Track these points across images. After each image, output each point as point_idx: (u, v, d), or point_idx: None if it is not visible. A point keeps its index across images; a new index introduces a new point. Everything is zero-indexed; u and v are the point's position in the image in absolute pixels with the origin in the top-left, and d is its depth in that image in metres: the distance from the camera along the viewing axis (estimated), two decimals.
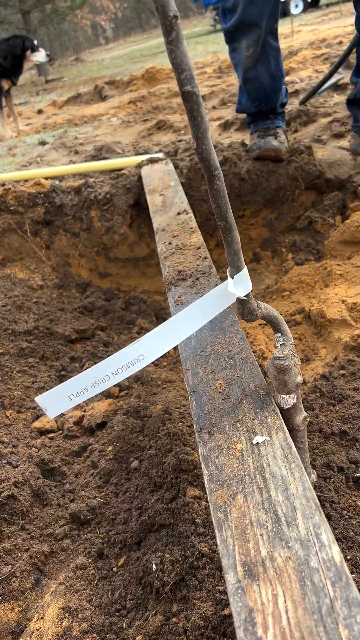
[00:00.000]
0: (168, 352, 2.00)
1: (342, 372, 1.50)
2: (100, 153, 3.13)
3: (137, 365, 0.75)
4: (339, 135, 2.61)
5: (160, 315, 2.27)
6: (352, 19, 7.18)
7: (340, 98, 3.28)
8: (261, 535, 0.64)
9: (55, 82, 11.37)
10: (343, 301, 1.73)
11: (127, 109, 4.75)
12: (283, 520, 0.65)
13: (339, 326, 1.70)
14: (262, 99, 2.26)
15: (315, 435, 1.25)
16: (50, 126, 5.07)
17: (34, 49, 5.15)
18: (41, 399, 0.76)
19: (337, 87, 3.56)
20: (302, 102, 3.18)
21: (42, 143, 4.07)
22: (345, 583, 0.57)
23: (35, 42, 5.29)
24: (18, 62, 5.06)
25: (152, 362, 1.96)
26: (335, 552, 0.60)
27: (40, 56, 5.23)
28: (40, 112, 6.55)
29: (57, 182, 2.59)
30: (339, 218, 2.29)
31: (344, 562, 0.59)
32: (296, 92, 3.51)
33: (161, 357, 1.99)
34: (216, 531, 0.67)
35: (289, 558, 0.61)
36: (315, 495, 0.67)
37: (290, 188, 2.35)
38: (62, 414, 1.61)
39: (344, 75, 3.61)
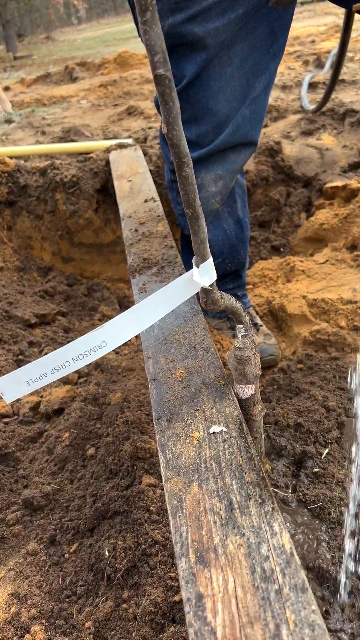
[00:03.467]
0: (130, 340, 1.99)
1: (299, 366, 1.53)
2: (68, 135, 3.06)
3: (99, 351, 0.74)
4: (307, 133, 2.64)
5: (124, 303, 2.25)
6: (326, 19, 7.23)
7: (312, 96, 3.32)
8: (214, 522, 0.65)
9: (24, 59, 11.05)
10: (304, 297, 1.76)
11: (97, 92, 4.67)
12: (237, 507, 0.66)
13: (299, 321, 1.73)
14: (225, 254, 1.64)
15: (272, 427, 1.27)
16: (17, 104, 4.93)
17: None
18: None
19: (309, 85, 3.59)
20: (316, 111, 2.80)
21: (8, 121, 3.96)
22: (294, 570, 0.58)
23: None
24: None
25: (114, 350, 1.95)
26: (286, 539, 0.61)
27: None
28: (7, 89, 6.35)
29: (22, 162, 2.52)
30: (304, 215, 2.32)
31: (294, 550, 0.60)
32: None
33: (123, 345, 1.98)
34: (170, 518, 0.67)
35: (241, 545, 0.62)
36: (268, 484, 0.68)
37: (260, 184, 2.37)
38: (18, 399, 1.57)
39: (316, 74, 3.65)
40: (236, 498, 0.67)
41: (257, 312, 1.79)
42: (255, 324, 1.71)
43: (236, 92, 1.26)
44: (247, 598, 0.57)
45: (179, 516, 0.67)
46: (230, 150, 1.36)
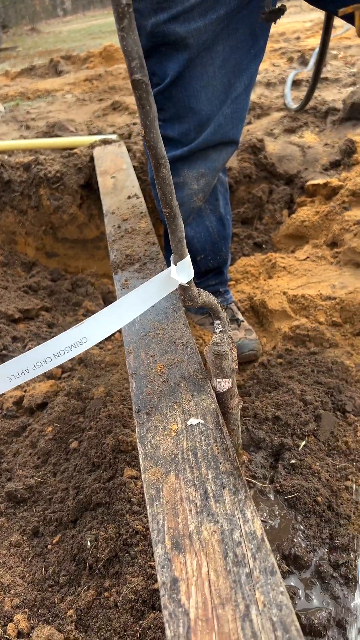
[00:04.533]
0: (113, 336, 2.01)
1: (279, 360, 1.57)
2: (52, 130, 3.06)
3: (80, 347, 0.76)
4: (290, 130, 2.68)
5: (108, 299, 2.27)
6: (312, 15, 7.25)
7: (295, 93, 3.35)
8: (190, 510, 0.68)
9: (8, 51, 10.92)
10: (284, 293, 1.80)
11: (82, 86, 4.65)
12: (211, 496, 0.69)
13: (279, 317, 1.76)
14: (208, 251, 1.66)
15: (250, 420, 1.30)
16: (1, 97, 4.89)
17: None
18: None
19: (293, 83, 3.62)
20: (299, 110, 2.81)
21: None
22: (264, 554, 0.61)
23: None
24: None
25: (97, 345, 1.97)
26: (257, 525, 0.64)
27: None
28: None
29: (5, 156, 2.52)
30: (286, 212, 2.35)
31: (265, 535, 0.63)
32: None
33: (106, 340, 2.00)
34: (147, 507, 0.70)
35: (215, 532, 0.65)
36: (242, 474, 0.71)
37: (243, 181, 2.39)
38: (1, 394, 1.59)
39: (299, 71, 3.68)
40: (211, 487, 0.70)
41: (238, 308, 1.82)
42: (236, 320, 1.74)
43: (218, 91, 1.28)
44: (220, 581, 0.60)
45: (156, 505, 0.69)
46: (212, 149, 1.38)
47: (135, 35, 0.56)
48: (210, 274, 1.75)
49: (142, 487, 1.16)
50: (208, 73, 1.25)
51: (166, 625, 0.56)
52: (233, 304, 1.81)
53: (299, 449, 1.23)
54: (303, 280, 1.87)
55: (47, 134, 3.04)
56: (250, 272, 2.05)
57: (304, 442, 1.24)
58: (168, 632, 0.56)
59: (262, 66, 4.19)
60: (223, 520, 0.66)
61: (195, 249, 1.64)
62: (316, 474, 1.17)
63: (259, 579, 0.59)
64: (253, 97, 3.29)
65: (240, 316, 1.76)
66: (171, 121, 1.34)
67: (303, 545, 1.06)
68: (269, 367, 1.53)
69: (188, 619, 0.56)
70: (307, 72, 3.64)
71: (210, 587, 0.59)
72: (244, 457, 1.04)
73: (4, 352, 1.74)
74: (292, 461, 1.20)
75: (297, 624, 0.54)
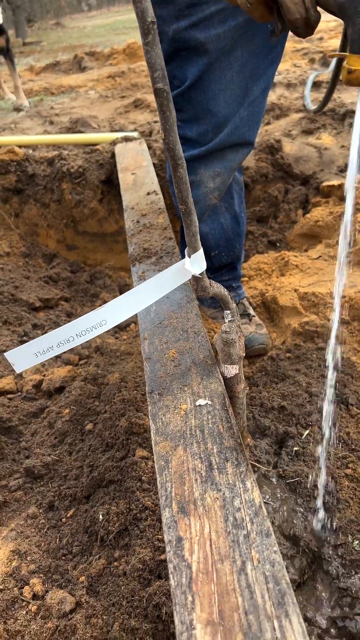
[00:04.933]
0: (129, 327, 2.08)
1: (288, 355, 1.63)
2: (75, 126, 3.14)
3: (100, 328, 0.83)
4: (308, 132, 2.72)
5: (124, 291, 2.33)
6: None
7: (315, 94, 3.39)
8: (196, 480, 0.75)
9: (33, 45, 11.05)
10: (296, 290, 1.85)
11: (105, 83, 4.73)
12: (215, 468, 0.76)
13: (290, 313, 1.82)
14: (222, 247, 1.72)
15: (257, 408, 1.36)
16: (26, 92, 4.98)
17: None
18: (10, 355, 0.83)
19: (314, 84, 3.66)
20: (317, 112, 2.82)
21: (17, 110, 4.03)
22: (261, 519, 0.68)
23: None
24: None
25: (113, 335, 2.04)
26: (256, 494, 0.71)
27: None
28: None
29: (30, 151, 2.60)
30: (301, 212, 2.40)
31: (262, 503, 0.70)
32: (273, 85, 3.59)
33: (121, 331, 2.07)
34: (157, 476, 0.77)
35: (217, 498, 0.71)
36: (245, 449, 0.78)
37: (260, 180, 2.45)
38: (22, 377, 1.67)
39: (320, 72, 3.72)
40: (215, 460, 0.77)
41: (250, 304, 1.89)
42: (248, 314, 1.80)
43: (235, 95, 1.35)
44: (220, 541, 0.66)
45: (165, 474, 0.76)
46: (228, 149, 1.45)
47: (159, 49, 0.63)
48: (224, 269, 1.81)
49: (152, 467, 1.23)
50: (226, 77, 1.32)
51: (170, 576, 0.63)
52: (245, 299, 1.87)
53: (303, 437, 1.29)
54: (314, 278, 1.92)
55: (70, 130, 3.12)
56: (264, 269, 2.11)
57: (307, 431, 1.30)
58: (172, 582, 0.63)
59: (283, 67, 4.22)
60: (225, 489, 0.72)
61: (210, 245, 1.70)
62: (317, 462, 1.23)
63: (255, 540, 0.65)
64: (273, 97, 3.33)
65: (251, 311, 1.82)
66: (190, 122, 1.41)
67: (301, 525, 1.12)
68: (278, 360, 1.59)
69: (190, 571, 0.63)
70: (328, 74, 3.67)
71: (211, 545, 0.66)
72: (249, 440, 1.11)
73: (24, 338, 1.83)
74: (296, 448, 1.26)
75: (287, 578, 0.61)
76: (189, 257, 0.83)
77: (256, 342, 1.70)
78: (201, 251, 0.83)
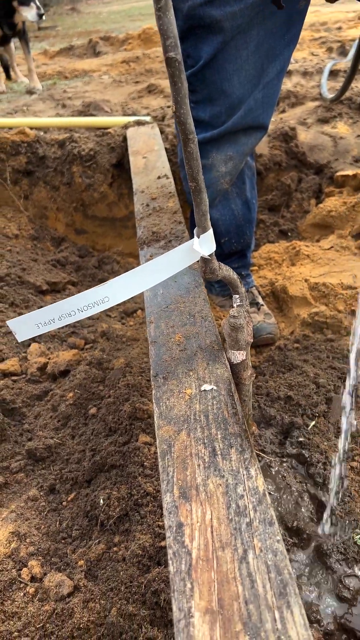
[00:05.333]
0: (136, 312, 2.06)
1: (296, 345, 1.60)
2: (88, 109, 3.10)
3: (103, 305, 0.81)
4: (323, 121, 2.67)
5: None
6: (356, 5, 7.11)
7: (332, 83, 3.32)
8: (198, 465, 0.73)
9: (48, 30, 10.96)
10: (306, 280, 1.82)
11: (119, 68, 4.68)
12: (219, 454, 0.73)
13: (299, 303, 1.79)
14: (232, 233, 1.70)
15: (263, 397, 1.34)
16: (39, 76, 4.94)
17: (21, 1, 4.43)
18: (12, 323, 0.82)
19: (330, 73, 3.59)
20: (334, 101, 2.79)
21: (30, 92, 3.99)
22: (264, 507, 0.66)
23: None
24: (6, 10, 4.44)
25: (120, 321, 2.03)
26: (260, 482, 0.69)
27: (28, 13, 4.34)
28: None
29: (41, 133, 2.58)
30: (314, 201, 2.36)
31: (266, 491, 0.68)
32: (289, 73, 3.53)
33: (129, 317, 2.05)
34: (159, 460, 0.75)
35: (220, 485, 0.69)
36: (250, 436, 0.76)
37: (273, 168, 2.41)
38: (26, 359, 1.66)
39: (338, 61, 3.65)
40: (219, 446, 0.75)
41: (259, 292, 1.86)
42: (256, 303, 1.77)
43: (250, 75, 1.31)
44: (221, 528, 0.64)
45: (167, 459, 0.74)
46: (241, 133, 1.41)
47: (171, 15, 0.60)
48: (234, 256, 1.78)
49: (155, 452, 1.22)
50: (241, 57, 1.28)
51: (170, 562, 0.62)
52: (254, 288, 1.84)
53: (309, 428, 1.26)
54: (325, 269, 1.89)
55: (82, 113, 3.08)
56: (274, 258, 2.07)
57: (313, 422, 1.28)
58: (171, 568, 0.61)
59: (300, 55, 4.15)
60: (228, 476, 0.70)
61: (220, 231, 1.67)
62: (323, 453, 1.21)
63: (257, 528, 0.63)
64: (289, 85, 3.28)
65: (260, 300, 1.79)
66: (203, 103, 1.37)
67: (307, 517, 1.10)
68: (285, 350, 1.57)
69: (190, 558, 0.62)
70: (345, 63, 3.60)
71: (212, 532, 0.64)
72: (254, 428, 1.08)
73: None
74: (301, 439, 1.24)
75: (290, 568, 0.59)
76: (198, 237, 0.80)
77: (264, 332, 1.67)
78: (211, 231, 0.80)
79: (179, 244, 1.35)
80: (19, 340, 0.83)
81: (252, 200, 1.68)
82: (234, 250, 1.74)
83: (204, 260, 0.84)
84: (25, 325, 0.81)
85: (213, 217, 1.62)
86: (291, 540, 1.09)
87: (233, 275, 0.91)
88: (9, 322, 0.81)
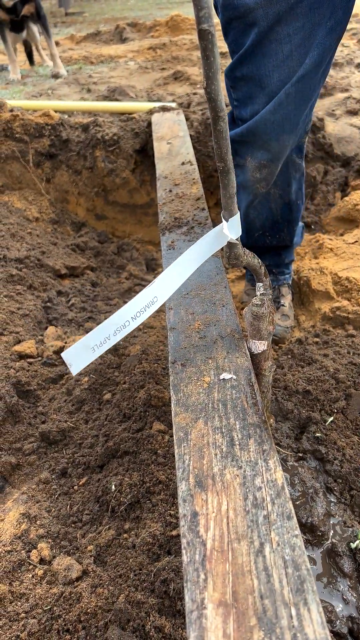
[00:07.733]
0: None
1: (315, 339, 1.57)
2: (112, 94, 3.08)
3: (153, 307, 0.79)
4: (352, 112, 2.61)
5: (151, 265, 2.30)
6: None
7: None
8: (215, 454, 0.71)
9: (75, 15, 10.92)
10: (329, 274, 1.79)
11: (145, 54, 4.63)
12: (237, 444, 0.71)
13: (321, 297, 1.75)
14: (267, 228, 1.60)
15: (281, 391, 1.32)
16: (65, 60, 4.92)
17: None
18: (66, 355, 0.79)
19: (359, 65, 3.51)
20: None
21: (55, 76, 3.98)
22: (283, 500, 0.64)
23: None
24: None
25: None
26: (279, 475, 0.67)
27: None
28: (56, 44, 6.32)
29: (65, 116, 2.56)
30: (339, 194, 2.31)
31: (285, 484, 0.66)
32: None
33: None
34: (175, 448, 0.73)
35: (237, 475, 0.67)
36: (269, 427, 0.74)
37: None
38: (43, 342, 1.65)
39: None
40: (237, 436, 0.73)
41: (290, 292, 1.79)
42: (278, 301, 1.73)
43: (286, 66, 1.23)
44: (238, 519, 0.62)
45: (184, 446, 0.73)
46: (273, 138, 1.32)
47: None
48: (267, 254, 1.70)
49: (168, 441, 1.20)
50: (283, 51, 1.21)
51: (183, 551, 0.60)
52: (285, 286, 1.77)
53: (326, 424, 1.24)
54: (349, 263, 1.85)
55: (107, 98, 3.06)
56: (297, 251, 2.03)
57: (331, 418, 1.25)
58: (185, 558, 0.59)
59: None
60: (246, 467, 0.68)
61: (255, 226, 1.60)
62: (340, 450, 1.18)
63: (275, 522, 0.61)
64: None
65: (283, 300, 1.72)
66: (244, 102, 1.30)
67: (321, 514, 1.08)
68: (305, 344, 1.54)
69: (204, 548, 0.60)
70: None
71: (228, 523, 0.62)
72: (271, 420, 1.06)
73: (48, 304, 1.80)
74: (318, 435, 1.21)
75: (308, 565, 0.57)
76: (226, 220, 0.78)
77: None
78: (238, 215, 0.78)
79: (202, 231, 1.33)
80: (74, 373, 0.81)
81: (296, 202, 1.57)
82: (268, 245, 1.66)
83: (230, 245, 0.81)
84: (80, 353, 0.78)
85: (249, 216, 1.56)
86: (304, 537, 1.07)
87: (258, 262, 0.88)
88: (63, 355, 0.79)
